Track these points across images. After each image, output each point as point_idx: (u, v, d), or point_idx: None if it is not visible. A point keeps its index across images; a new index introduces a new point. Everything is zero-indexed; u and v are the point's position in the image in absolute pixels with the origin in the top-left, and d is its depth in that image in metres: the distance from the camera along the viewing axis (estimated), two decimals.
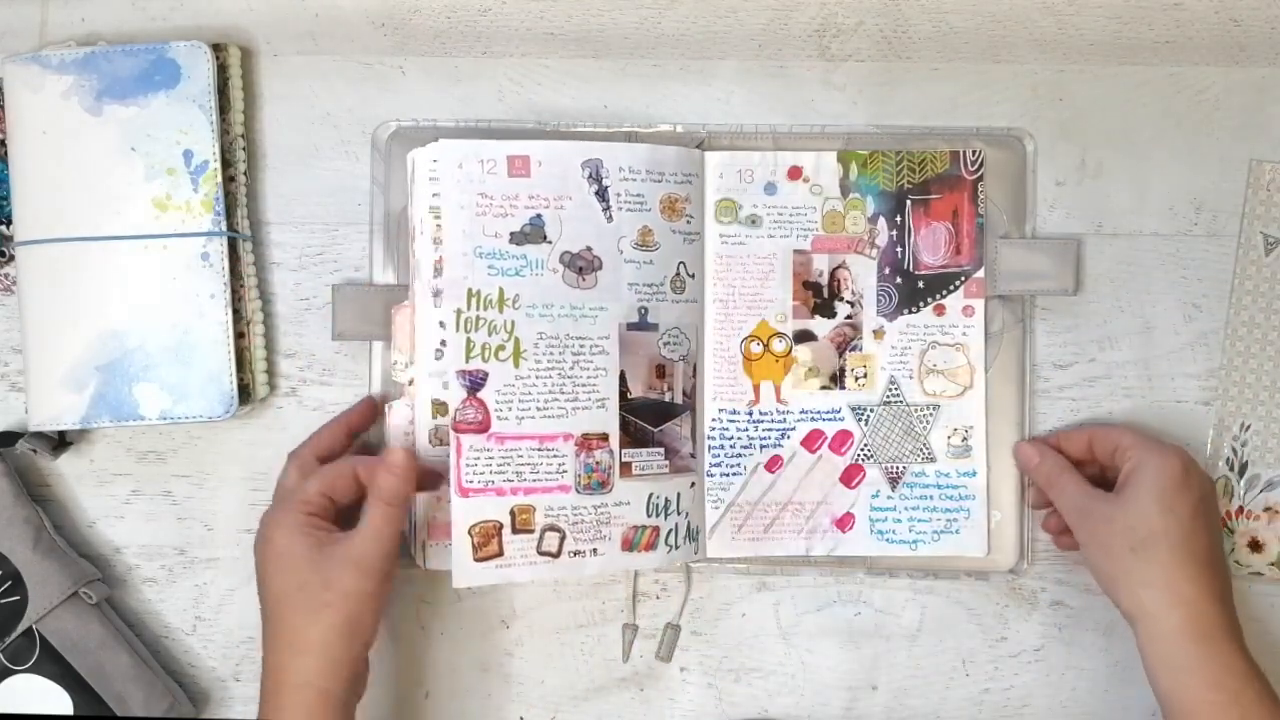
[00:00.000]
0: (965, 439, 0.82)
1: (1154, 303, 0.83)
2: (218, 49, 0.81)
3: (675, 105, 0.83)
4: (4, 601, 0.78)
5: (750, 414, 0.82)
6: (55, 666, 0.78)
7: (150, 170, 0.79)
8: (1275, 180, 0.83)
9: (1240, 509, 0.82)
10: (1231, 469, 0.82)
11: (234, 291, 0.80)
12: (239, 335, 0.81)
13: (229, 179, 0.81)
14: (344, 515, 0.76)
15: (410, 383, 0.79)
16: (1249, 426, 0.82)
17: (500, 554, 0.77)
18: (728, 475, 0.81)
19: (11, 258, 0.82)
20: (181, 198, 0.79)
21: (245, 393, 0.81)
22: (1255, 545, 0.82)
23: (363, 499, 0.75)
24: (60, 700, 0.78)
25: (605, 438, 0.78)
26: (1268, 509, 0.82)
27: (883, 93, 0.83)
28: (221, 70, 0.81)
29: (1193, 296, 0.83)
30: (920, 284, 0.82)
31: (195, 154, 0.79)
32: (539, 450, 0.77)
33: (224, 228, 0.80)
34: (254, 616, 0.82)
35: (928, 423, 0.82)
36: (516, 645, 0.83)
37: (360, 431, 0.80)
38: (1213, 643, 0.72)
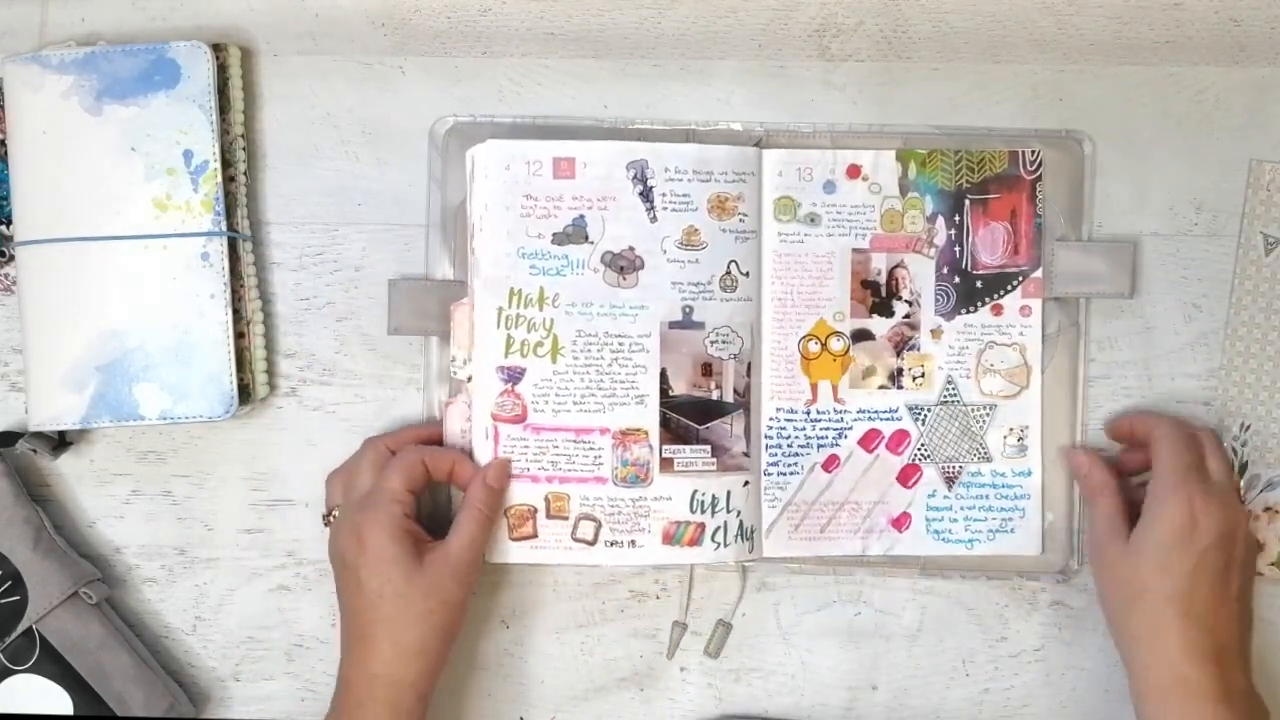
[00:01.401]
0: (1021, 439, 0.82)
1: (1154, 303, 0.83)
2: (218, 49, 0.81)
3: (675, 105, 0.83)
4: (4, 601, 0.78)
5: (808, 413, 0.82)
6: (55, 666, 0.78)
7: (150, 170, 0.79)
8: (1275, 180, 0.83)
9: None
10: (1231, 469, 0.82)
11: (234, 291, 0.80)
12: (239, 335, 0.81)
13: (229, 179, 0.81)
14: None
15: (469, 379, 0.79)
16: (1249, 426, 0.82)
17: (535, 535, 0.79)
18: (785, 474, 0.81)
19: (11, 258, 0.82)
20: (181, 198, 0.79)
21: (245, 393, 0.81)
22: (1255, 545, 0.82)
23: (431, 486, 0.78)
24: (60, 700, 0.78)
25: (644, 433, 0.79)
26: (1268, 509, 0.82)
27: (883, 93, 0.83)
28: (221, 70, 0.81)
29: (1193, 296, 0.83)
30: (978, 284, 0.82)
31: (195, 154, 0.79)
32: (575, 442, 0.79)
33: (224, 228, 0.80)
34: (253, 616, 0.83)
35: (984, 422, 0.82)
36: (516, 645, 0.83)
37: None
38: (1200, 705, 0.71)
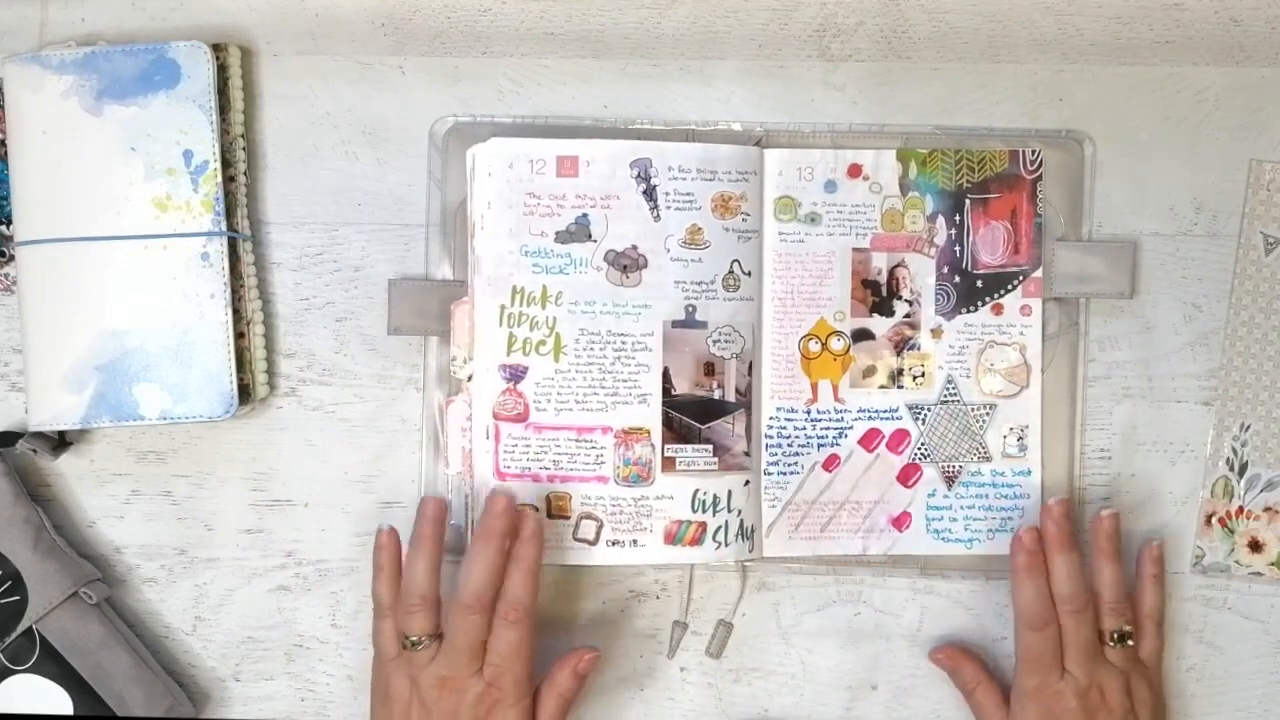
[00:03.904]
0: (1021, 438, 0.82)
1: (1154, 303, 0.83)
2: (218, 49, 0.80)
3: (675, 105, 0.83)
4: (4, 601, 0.78)
5: (808, 413, 0.82)
6: (55, 666, 0.78)
7: (150, 170, 0.79)
8: (1275, 180, 0.83)
9: (1240, 509, 0.82)
10: (1231, 469, 0.82)
11: (234, 291, 0.80)
12: (239, 335, 0.81)
13: (229, 179, 0.81)
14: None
15: (469, 379, 0.79)
16: (1249, 426, 0.82)
17: None
18: (785, 474, 0.81)
19: (11, 258, 0.82)
20: (181, 198, 0.79)
21: (245, 393, 0.81)
22: (1255, 545, 0.82)
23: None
24: (60, 700, 0.78)
25: (646, 432, 0.79)
26: (1268, 509, 0.82)
27: (883, 93, 0.83)
28: (221, 70, 0.81)
29: (1193, 296, 0.83)
30: (978, 283, 0.82)
31: (195, 154, 0.79)
32: (577, 441, 0.79)
33: (224, 228, 0.80)
34: (253, 616, 0.83)
35: (984, 422, 0.82)
36: None
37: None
38: None
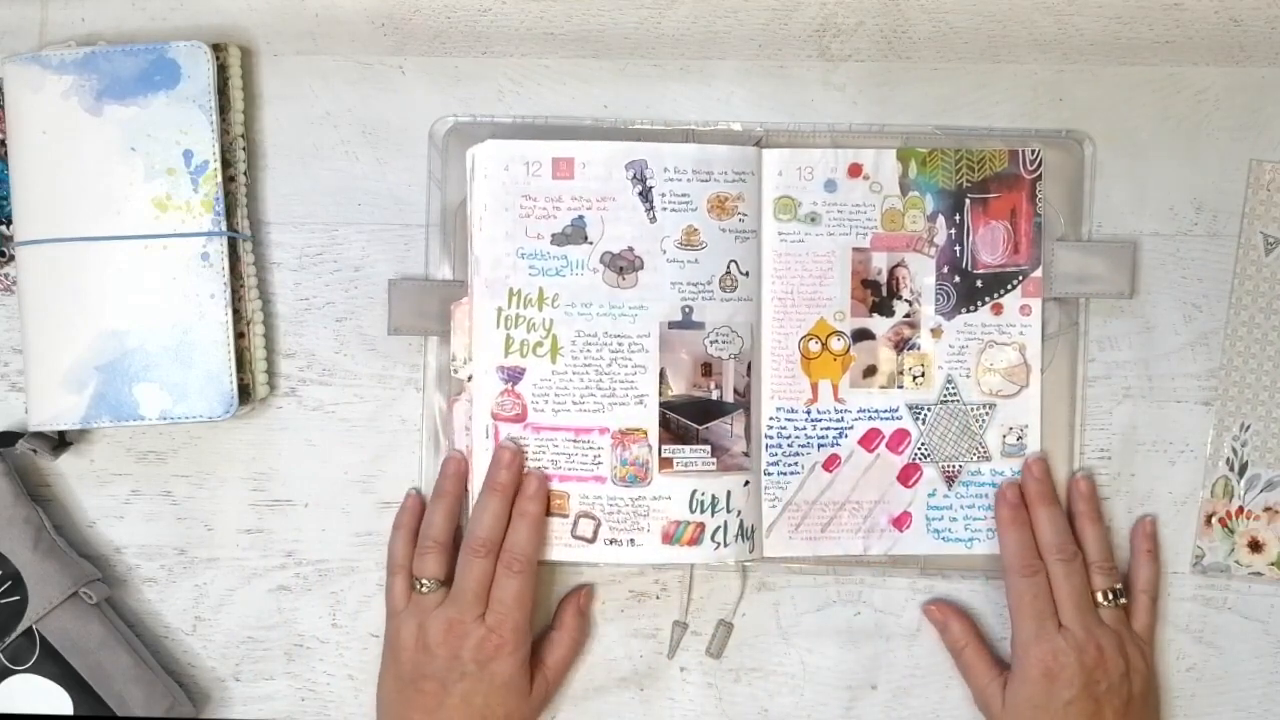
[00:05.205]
0: (1020, 438, 0.82)
1: (1154, 303, 0.83)
2: (218, 49, 0.81)
3: (675, 105, 0.83)
4: (4, 601, 0.78)
5: (808, 413, 0.82)
6: (55, 666, 0.78)
7: (150, 170, 0.79)
8: (1275, 180, 0.83)
9: (1240, 509, 0.82)
10: (1231, 469, 0.82)
11: (234, 291, 0.80)
12: (239, 335, 0.81)
13: (229, 179, 0.81)
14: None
15: (469, 379, 0.80)
16: (1249, 426, 0.82)
17: None
18: (785, 474, 0.81)
19: (11, 258, 0.82)
20: (181, 198, 0.79)
21: (245, 393, 0.81)
22: (1255, 545, 0.82)
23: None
24: (60, 700, 0.78)
25: (643, 433, 0.79)
26: (1268, 509, 0.82)
27: (883, 93, 0.83)
28: (221, 70, 0.81)
29: (1193, 296, 0.83)
30: (978, 283, 0.82)
31: (195, 154, 0.79)
32: (574, 441, 0.79)
33: (224, 228, 0.80)
34: (253, 616, 0.83)
35: (983, 422, 0.82)
36: None
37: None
38: None
